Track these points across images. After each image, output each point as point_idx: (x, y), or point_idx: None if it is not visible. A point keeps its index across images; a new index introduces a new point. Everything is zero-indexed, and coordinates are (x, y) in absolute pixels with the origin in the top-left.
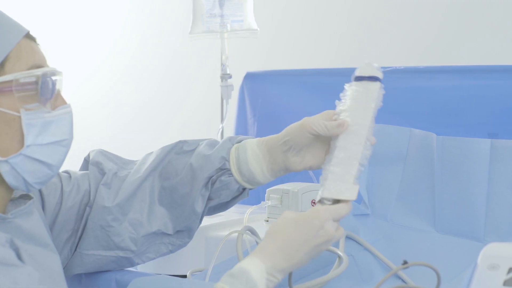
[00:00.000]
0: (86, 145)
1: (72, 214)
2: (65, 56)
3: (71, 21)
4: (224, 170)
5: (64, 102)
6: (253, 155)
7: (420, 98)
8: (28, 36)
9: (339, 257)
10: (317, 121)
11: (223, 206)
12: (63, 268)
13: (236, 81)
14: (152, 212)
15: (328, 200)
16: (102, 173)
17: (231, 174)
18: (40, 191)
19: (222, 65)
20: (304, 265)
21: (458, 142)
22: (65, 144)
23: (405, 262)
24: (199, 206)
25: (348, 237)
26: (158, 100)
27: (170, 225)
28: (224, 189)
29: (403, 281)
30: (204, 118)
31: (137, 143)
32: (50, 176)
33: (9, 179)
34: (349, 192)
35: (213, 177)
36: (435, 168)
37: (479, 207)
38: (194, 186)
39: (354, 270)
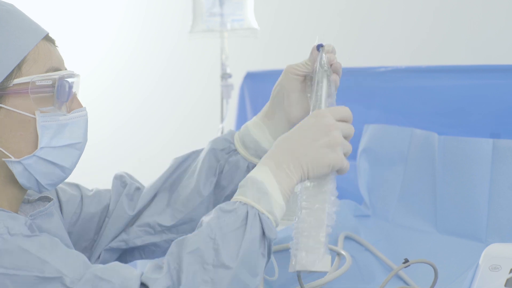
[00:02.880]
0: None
1: (92, 224)
2: (63, 55)
3: (69, 20)
4: (230, 152)
5: (80, 105)
6: (253, 125)
7: (421, 97)
8: (47, 38)
9: (338, 254)
10: (296, 63)
11: None
12: None
13: (236, 81)
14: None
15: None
16: (124, 185)
17: (238, 152)
18: (58, 198)
19: (222, 64)
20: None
21: (460, 142)
22: (79, 147)
23: (406, 261)
24: (206, 189)
25: (349, 238)
26: (158, 100)
27: (167, 216)
28: (234, 170)
29: (404, 282)
30: (204, 117)
31: (137, 143)
32: (62, 178)
33: (22, 179)
34: (322, 263)
35: (220, 162)
36: (436, 168)
37: (481, 208)
38: (198, 170)
39: (355, 270)
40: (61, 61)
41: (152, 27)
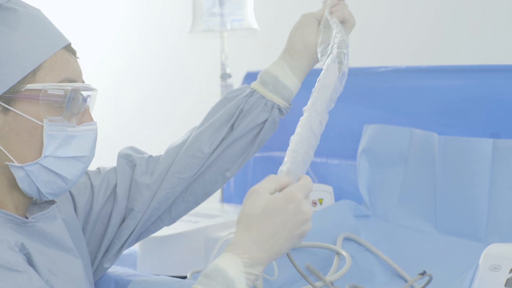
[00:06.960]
0: None
1: (108, 207)
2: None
3: (68, 19)
4: (249, 93)
5: (90, 119)
6: (273, 63)
7: (421, 97)
8: (68, 48)
9: (338, 254)
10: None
11: (260, 134)
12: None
13: (236, 81)
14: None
15: None
16: (132, 165)
17: (256, 92)
18: (70, 192)
19: (222, 64)
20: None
21: (460, 142)
22: (84, 160)
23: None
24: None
25: (349, 238)
26: (158, 100)
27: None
28: (254, 109)
29: (405, 281)
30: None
31: (137, 143)
32: (64, 189)
33: (23, 185)
34: None
35: (241, 105)
36: (436, 168)
37: (481, 208)
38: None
39: (355, 271)
40: (78, 73)
41: (152, 27)
